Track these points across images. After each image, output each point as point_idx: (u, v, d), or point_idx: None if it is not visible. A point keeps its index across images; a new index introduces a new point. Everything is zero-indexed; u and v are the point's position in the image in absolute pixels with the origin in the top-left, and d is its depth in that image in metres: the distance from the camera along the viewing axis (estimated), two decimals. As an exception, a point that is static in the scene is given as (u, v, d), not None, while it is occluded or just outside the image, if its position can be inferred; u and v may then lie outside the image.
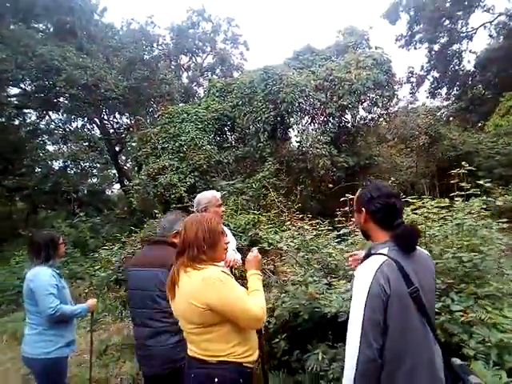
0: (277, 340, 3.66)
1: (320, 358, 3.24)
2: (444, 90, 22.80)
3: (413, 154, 15.25)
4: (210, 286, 1.85)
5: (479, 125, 19.06)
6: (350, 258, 2.41)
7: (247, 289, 2.06)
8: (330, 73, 12.31)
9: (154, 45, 21.19)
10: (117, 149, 20.63)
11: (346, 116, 12.97)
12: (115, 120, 20.20)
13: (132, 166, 20.11)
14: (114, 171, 22.25)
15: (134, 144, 16.24)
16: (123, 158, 22.88)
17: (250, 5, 53.23)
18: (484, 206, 3.85)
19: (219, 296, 1.85)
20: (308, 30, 50.33)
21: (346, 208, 4.29)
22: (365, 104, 12.28)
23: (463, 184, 3.81)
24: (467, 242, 3.42)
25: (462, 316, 2.92)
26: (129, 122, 19.88)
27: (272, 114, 12.18)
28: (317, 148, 11.24)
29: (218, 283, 1.86)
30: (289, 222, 4.90)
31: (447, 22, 19.64)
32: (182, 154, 12.80)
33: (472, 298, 3.10)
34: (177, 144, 12.96)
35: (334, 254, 4.09)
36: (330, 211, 7.36)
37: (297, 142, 13.03)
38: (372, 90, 11.78)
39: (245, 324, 1.92)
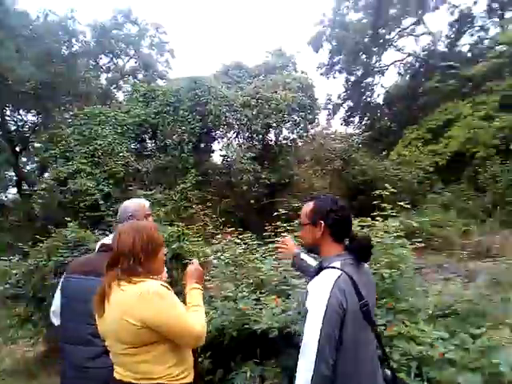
0: (200, 359, 3.47)
1: (248, 375, 3.14)
2: (356, 119, 24.74)
3: (327, 176, 16.12)
4: (148, 302, 1.65)
5: (384, 153, 20.94)
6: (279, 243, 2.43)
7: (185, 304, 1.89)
8: (257, 91, 12.59)
9: (74, 40, 19.73)
10: (17, 149, 18.55)
11: (270, 134, 13.33)
12: (19, 117, 18.26)
13: (34, 168, 18.26)
14: (12, 174, 19.87)
15: (38, 145, 14.78)
16: (23, 159, 20.63)
17: (179, 14, 52.69)
18: (401, 227, 4.16)
19: (157, 312, 1.66)
20: (237, 46, 51.01)
21: (279, 222, 4.30)
22: (287, 124, 12.72)
23: (384, 205, 4.08)
24: (387, 259, 3.62)
25: (385, 330, 3.05)
26: (35, 120, 18.11)
27: (198, 124, 12.04)
28: (242, 163, 11.33)
29: (156, 298, 1.67)
30: (219, 236, 4.76)
31: (363, 56, 21.43)
32: (96, 159, 11.97)
33: (391, 313, 3.26)
34: (91, 148, 12.09)
35: (262, 269, 4.05)
36: (254, 226, 7.39)
37: (221, 155, 13.03)
38: (296, 112, 12.27)
39: (184, 343, 1.78)
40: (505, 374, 2.59)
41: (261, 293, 3.81)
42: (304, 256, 2.41)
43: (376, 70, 23.58)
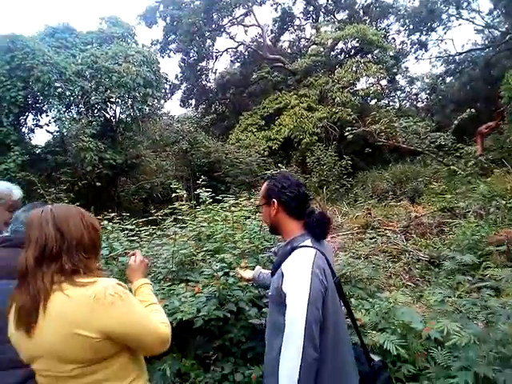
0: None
1: (168, 373, 2.79)
2: (193, 102, 24.72)
3: (172, 157, 15.71)
4: (107, 307, 1.30)
5: (222, 137, 21.67)
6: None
7: None
8: (95, 60, 11.09)
9: None
10: None
11: (112, 109, 12.00)
12: None
13: None
14: None
15: None
16: None
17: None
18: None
19: (120, 318, 1.33)
20: (60, 4, 43.35)
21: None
22: (132, 100, 11.66)
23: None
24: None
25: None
26: None
27: (21, 93, 9.86)
28: (83, 141, 9.84)
29: (116, 301, 1.32)
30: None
31: (198, 39, 21.39)
32: None
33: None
34: None
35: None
36: (100, 209, 6.59)
37: (56, 131, 11.04)
38: (141, 87, 11.35)
39: (149, 349, 1.48)
40: (418, 330, 2.90)
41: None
42: (262, 270, 2.40)
43: (210, 54, 23.93)
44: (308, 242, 1.68)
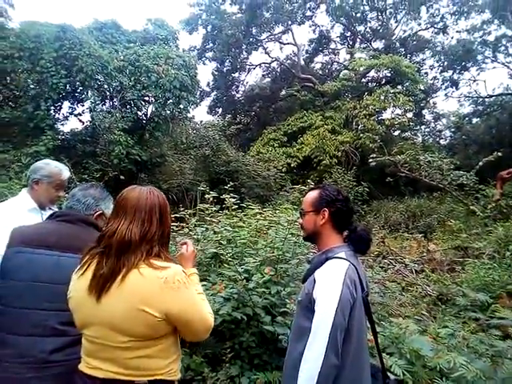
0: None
1: (180, 366, 2.90)
2: (220, 110, 25.12)
3: (193, 161, 15.97)
4: (173, 291, 1.43)
5: (243, 149, 21.91)
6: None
7: None
8: (137, 58, 11.50)
9: None
10: None
11: (145, 108, 12.36)
12: None
13: None
14: None
15: None
16: None
17: None
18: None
19: (182, 303, 1.46)
20: (111, 1, 44.56)
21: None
22: (167, 101, 12.01)
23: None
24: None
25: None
26: None
27: (63, 81, 10.28)
28: (114, 134, 10.17)
29: (182, 287, 1.46)
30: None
31: (234, 50, 21.87)
32: None
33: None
34: None
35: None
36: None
37: (89, 121, 11.42)
38: (177, 90, 11.69)
39: (195, 335, 1.59)
40: (427, 359, 2.99)
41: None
42: None
43: (244, 66, 24.38)
44: (342, 254, 1.74)
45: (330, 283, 1.63)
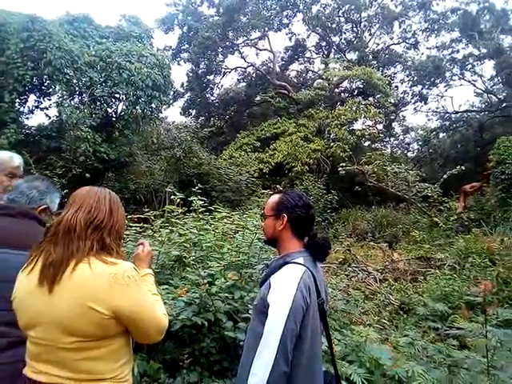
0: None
1: (136, 372, 2.81)
2: (194, 112, 24.91)
3: (163, 162, 15.69)
4: (123, 287, 1.38)
5: (216, 152, 21.76)
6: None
7: None
8: (108, 54, 11.21)
9: None
10: None
11: (115, 105, 12.04)
12: None
13: None
14: None
15: None
16: None
17: None
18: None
19: (132, 300, 1.41)
20: None
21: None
22: (140, 100, 11.73)
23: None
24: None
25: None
26: None
27: (29, 73, 9.88)
28: (81, 130, 9.84)
29: (132, 284, 1.41)
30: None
31: (210, 52, 21.78)
32: None
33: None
34: None
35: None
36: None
37: (56, 116, 11.00)
38: (150, 89, 11.46)
39: (147, 336, 1.52)
40: (385, 367, 3.01)
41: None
42: None
43: (219, 69, 24.32)
44: (300, 259, 1.71)
45: (284, 288, 1.60)
